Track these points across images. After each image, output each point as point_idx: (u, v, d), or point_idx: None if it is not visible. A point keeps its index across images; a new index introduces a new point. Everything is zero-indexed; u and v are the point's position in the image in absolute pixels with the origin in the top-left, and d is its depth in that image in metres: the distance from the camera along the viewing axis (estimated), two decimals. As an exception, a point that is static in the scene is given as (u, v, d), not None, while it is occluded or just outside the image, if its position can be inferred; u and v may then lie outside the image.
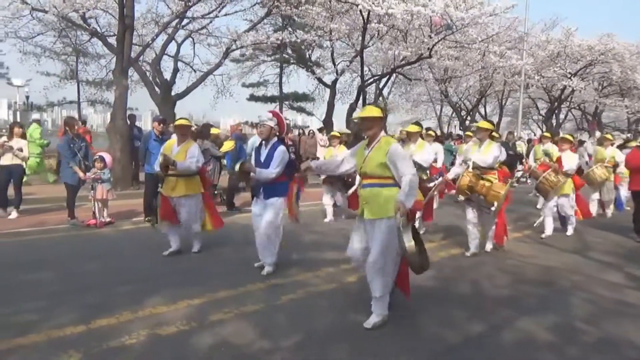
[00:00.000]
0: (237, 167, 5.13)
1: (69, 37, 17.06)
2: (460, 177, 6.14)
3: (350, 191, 7.71)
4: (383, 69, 19.95)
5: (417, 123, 7.52)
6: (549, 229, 7.42)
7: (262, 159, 5.12)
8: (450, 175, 6.52)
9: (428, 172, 7.11)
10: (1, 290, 4.55)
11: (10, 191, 8.42)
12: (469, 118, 26.20)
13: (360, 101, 17.27)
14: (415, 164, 6.51)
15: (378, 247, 3.75)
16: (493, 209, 6.01)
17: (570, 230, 7.70)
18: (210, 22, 15.35)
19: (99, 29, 14.28)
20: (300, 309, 4.18)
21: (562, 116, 30.11)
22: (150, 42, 14.20)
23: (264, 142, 5.23)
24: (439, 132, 18.62)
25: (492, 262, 6.02)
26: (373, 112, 3.91)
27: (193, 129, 7.38)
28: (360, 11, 14.36)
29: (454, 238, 7.16)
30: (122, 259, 5.83)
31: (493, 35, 16.90)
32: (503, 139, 17.07)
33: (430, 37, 14.93)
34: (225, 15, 15.50)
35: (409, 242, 3.38)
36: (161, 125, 8.78)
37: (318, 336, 3.65)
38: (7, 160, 8.15)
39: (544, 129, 24.02)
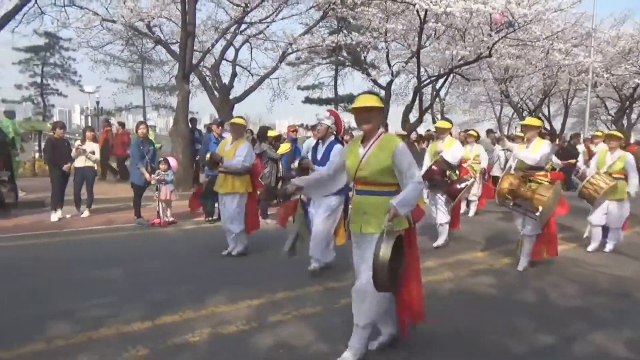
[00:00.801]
0: (295, 164, 5.16)
1: (135, 45, 17.95)
2: (500, 180, 5.63)
3: None
4: (440, 70, 19.48)
5: (447, 120, 7.27)
6: (595, 242, 6.70)
7: (319, 157, 5.16)
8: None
9: (457, 171, 6.66)
10: (74, 285, 4.84)
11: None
12: (531, 119, 25.04)
13: (417, 103, 17.00)
14: (445, 162, 6.31)
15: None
16: (538, 214, 5.30)
17: (610, 246, 6.65)
18: (267, 26, 15.69)
19: (162, 37, 14.95)
20: (357, 313, 4.14)
21: (634, 116, 28.18)
22: (210, 48, 14.67)
23: (320, 141, 5.27)
24: (498, 134, 17.92)
25: (557, 270, 5.71)
26: (369, 101, 3.16)
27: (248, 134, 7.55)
28: (417, 11, 14.09)
29: (513, 244, 6.81)
30: (183, 257, 6.03)
31: (558, 32, 16.06)
32: (567, 139, 16.28)
33: (490, 36, 14.41)
34: (282, 19, 15.79)
35: (385, 253, 2.80)
36: (220, 127, 9.09)
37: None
38: (81, 162, 8.65)
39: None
